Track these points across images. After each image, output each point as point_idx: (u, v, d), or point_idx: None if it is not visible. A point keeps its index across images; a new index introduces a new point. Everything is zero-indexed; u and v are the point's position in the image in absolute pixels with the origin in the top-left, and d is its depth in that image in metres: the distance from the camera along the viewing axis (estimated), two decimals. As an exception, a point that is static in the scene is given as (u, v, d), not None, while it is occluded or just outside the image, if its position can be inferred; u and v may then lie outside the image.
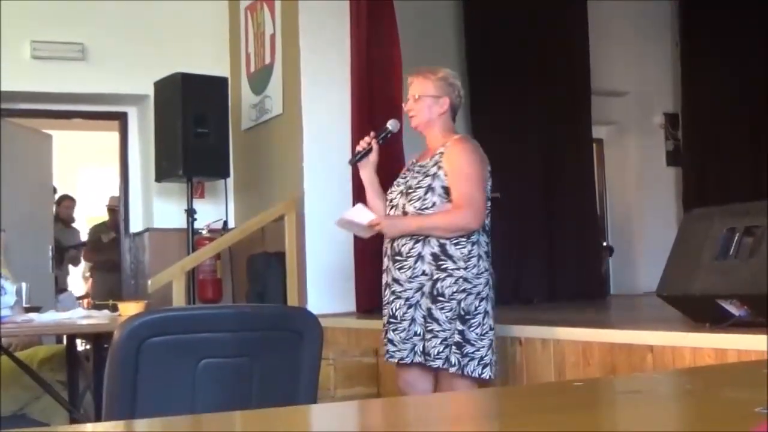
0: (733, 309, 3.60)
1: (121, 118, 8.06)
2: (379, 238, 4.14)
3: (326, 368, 5.03)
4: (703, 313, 3.76)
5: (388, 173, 4.21)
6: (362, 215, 3.94)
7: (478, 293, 3.84)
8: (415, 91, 4.00)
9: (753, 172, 8.54)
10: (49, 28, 7.33)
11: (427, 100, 3.97)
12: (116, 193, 8.74)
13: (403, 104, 4.10)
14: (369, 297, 6.02)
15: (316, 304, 6.13)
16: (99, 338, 4.70)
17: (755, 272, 3.53)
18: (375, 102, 6.12)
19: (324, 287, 6.47)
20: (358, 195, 5.55)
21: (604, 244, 8.85)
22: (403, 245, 3.86)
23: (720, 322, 3.62)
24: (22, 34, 7.22)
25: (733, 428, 1.12)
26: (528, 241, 7.56)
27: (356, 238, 5.95)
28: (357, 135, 6.01)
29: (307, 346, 2.38)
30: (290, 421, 1.39)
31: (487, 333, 3.85)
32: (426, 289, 3.81)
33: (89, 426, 1.46)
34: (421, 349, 3.80)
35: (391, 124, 4.10)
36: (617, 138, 9.38)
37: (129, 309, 4.25)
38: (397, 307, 3.86)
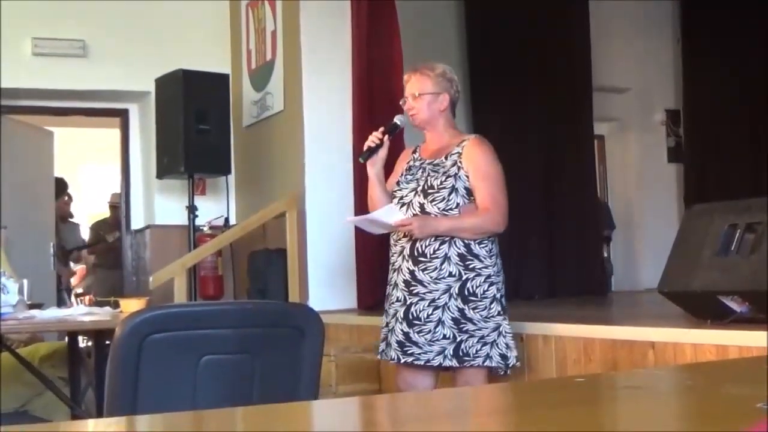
0: (734, 305, 3.60)
1: (123, 115, 8.06)
2: (383, 234, 4.12)
3: (327, 365, 5.03)
4: (704, 310, 3.76)
5: (390, 168, 4.18)
6: (391, 215, 3.89)
7: (499, 290, 3.85)
8: (414, 89, 3.96)
9: (754, 168, 8.54)
10: (50, 25, 7.33)
11: (426, 98, 3.94)
12: (117, 189, 8.74)
13: (400, 102, 4.06)
14: (370, 293, 6.02)
15: (317, 301, 6.14)
16: (101, 335, 4.70)
17: (756, 269, 3.53)
18: (376, 99, 6.12)
19: (325, 284, 6.47)
20: (360, 191, 5.56)
21: (605, 234, 8.83)
22: (427, 246, 3.83)
23: (721, 318, 3.62)
24: (23, 31, 7.23)
25: (734, 424, 1.13)
26: (529, 237, 7.56)
27: (358, 235, 5.95)
28: (358, 132, 6.02)
29: (309, 342, 2.38)
30: (291, 417, 1.39)
31: (507, 329, 3.87)
32: (454, 290, 3.79)
33: (91, 422, 1.46)
34: (451, 352, 3.77)
35: (399, 119, 4.05)
36: (618, 135, 9.38)
37: (130, 306, 4.25)
38: (421, 308, 3.82)
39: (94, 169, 13.02)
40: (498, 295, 3.83)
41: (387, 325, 3.97)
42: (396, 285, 3.94)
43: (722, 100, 8.75)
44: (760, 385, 1.41)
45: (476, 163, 3.84)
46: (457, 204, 3.82)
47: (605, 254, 8.78)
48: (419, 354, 3.81)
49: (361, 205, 5.23)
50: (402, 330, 3.87)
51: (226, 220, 7.36)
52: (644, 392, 1.48)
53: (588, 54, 8.13)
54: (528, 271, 7.45)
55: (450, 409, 1.45)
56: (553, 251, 7.71)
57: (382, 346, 3.98)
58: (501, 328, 3.81)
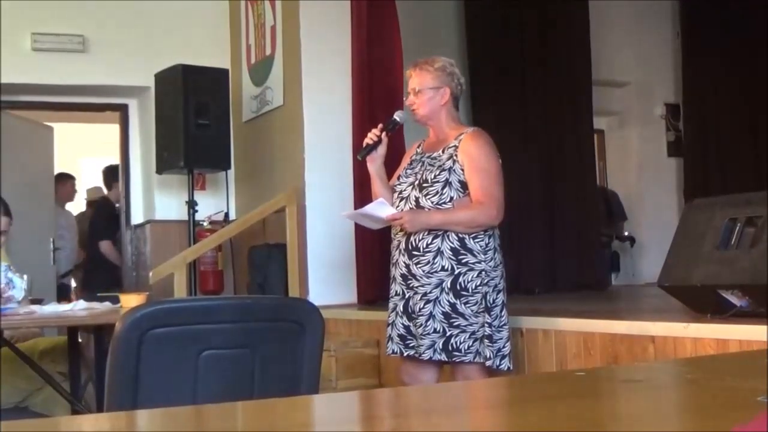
0: (734, 299, 3.60)
1: (122, 110, 8.06)
2: (382, 229, 4.12)
3: (328, 359, 5.04)
4: (704, 304, 3.76)
5: (391, 163, 4.19)
6: (382, 209, 3.90)
7: (496, 285, 3.84)
8: (414, 84, 3.97)
9: (754, 162, 8.53)
10: (50, 20, 7.32)
11: (427, 93, 3.94)
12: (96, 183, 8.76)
13: (404, 98, 4.07)
14: (370, 288, 6.02)
15: (317, 295, 6.14)
16: (101, 330, 4.70)
17: (756, 263, 3.53)
18: (375, 93, 6.12)
19: (325, 278, 6.47)
20: (360, 186, 5.56)
21: (626, 233, 8.78)
22: (420, 240, 3.83)
23: (721, 312, 3.62)
24: (22, 26, 7.22)
25: (734, 417, 1.12)
26: (529, 231, 7.56)
27: (357, 229, 5.95)
28: (358, 126, 6.02)
29: (309, 337, 2.38)
30: (292, 411, 1.39)
31: (505, 324, 3.86)
32: (446, 284, 3.78)
33: (91, 417, 1.46)
34: (441, 346, 3.77)
35: (399, 115, 4.06)
36: (618, 129, 9.38)
37: (130, 301, 4.25)
38: (415, 302, 3.84)
39: (94, 164, 13.01)
40: (487, 291, 3.81)
41: (390, 320, 3.98)
42: (395, 279, 3.96)
43: (722, 94, 8.75)
44: (761, 378, 1.41)
45: (471, 156, 3.84)
46: (451, 198, 3.81)
47: (614, 249, 8.76)
48: (418, 347, 3.83)
49: (361, 200, 5.23)
50: (402, 324, 3.90)
51: (226, 215, 7.36)
52: (644, 386, 1.48)
53: (587, 48, 8.11)
54: (528, 266, 7.45)
55: (450, 402, 1.45)
56: (553, 246, 7.71)
57: (387, 342, 4.00)
58: (491, 326, 3.81)
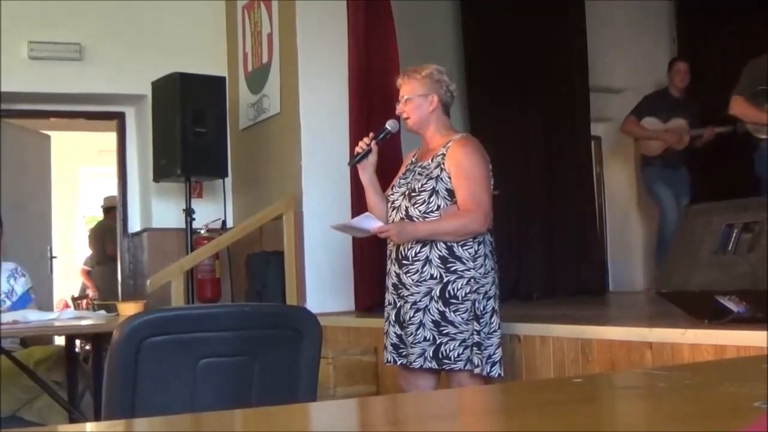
0: (732, 305, 3.60)
1: (119, 118, 8.05)
2: (379, 237, 4.13)
3: (326, 367, 5.03)
4: (702, 310, 3.76)
5: (385, 173, 4.19)
6: (369, 223, 3.91)
7: (486, 292, 3.84)
8: (404, 93, 3.98)
9: (752, 167, 8.52)
10: (47, 29, 7.32)
11: (416, 101, 3.95)
12: (114, 192, 8.77)
13: (396, 105, 4.07)
14: (368, 295, 6.03)
15: (315, 303, 6.13)
16: (98, 339, 4.69)
17: (754, 268, 3.53)
18: (372, 100, 6.12)
19: (323, 286, 6.47)
20: (357, 193, 5.56)
21: None
22: (409, 249, 3.85)
23: (719, 318, 3.62)
24: (19, 34, 7.22)
25: (732, 423, 1.12)
26: (527, 237, 7.56)
27: (354, 237, 5.96)
28: (355, 133, 6.02)
29: (307, 344, 2.38)
30: (290, 419, 1.39)
31: (495, 331, 3.86)
32: (435, 292, 3.79)
33: (89, 425, 1.46)
34: (431, 354, 3.78)
35: (390, 125, 4.07)
36: (615, 135, 9.37)
37: (128, 309, 4.25)
38: (405, 310, 3.85)
39: (91, 172, 13.02)
40: (476, 298, 3.81)
41: (385, 329, 4.00)
42: (388, 289, 3.98)
43: (719, 100, 8.75)
44: (759, 383, 1.41)
45: (458, 163, 3.84)
46: (438, 206, 3.82)
47: None
48: (409, 356, 3.84)
49: (359, 207, 5.24)
50: (395, 333, 3.92)
51: (223, 222, 7.35)
52: (642, 392, 1.48)
53: (584, 55, 8.12)
54: (526, 272, 7.45)
55: (447, 409, 1.45)
56: (551, 251, 7.71)
57: (384, 350, 4.02)
58: (480, 334, 3.81)
